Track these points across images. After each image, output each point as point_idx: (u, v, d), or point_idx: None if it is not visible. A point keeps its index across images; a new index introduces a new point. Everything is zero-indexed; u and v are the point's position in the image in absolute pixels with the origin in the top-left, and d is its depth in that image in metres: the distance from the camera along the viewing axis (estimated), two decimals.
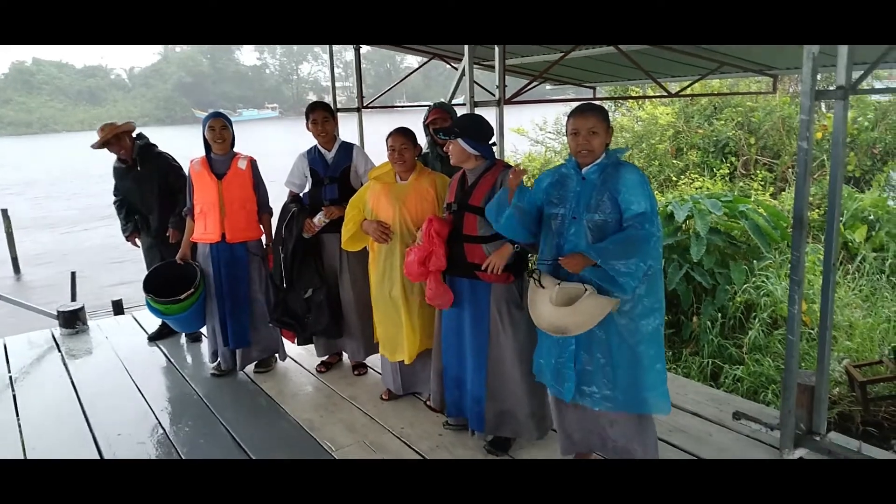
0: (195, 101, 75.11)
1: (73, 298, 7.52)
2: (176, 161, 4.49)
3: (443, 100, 4.10)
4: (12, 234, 14.18)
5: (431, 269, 2.88)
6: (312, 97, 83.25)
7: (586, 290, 2.37)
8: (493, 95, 4.55)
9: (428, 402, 3.46)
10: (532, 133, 12.61)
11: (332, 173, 3.74)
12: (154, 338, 4.74)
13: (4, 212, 14.48)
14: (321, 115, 3.74)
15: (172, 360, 4.36)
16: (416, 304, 3.28)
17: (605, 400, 2.51)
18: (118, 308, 7.17)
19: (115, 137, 4.35)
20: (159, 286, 3.87)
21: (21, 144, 55.31)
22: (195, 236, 3.87)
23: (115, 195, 4.61)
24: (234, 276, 3.83)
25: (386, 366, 3.59)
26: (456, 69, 6.52)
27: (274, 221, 3.88)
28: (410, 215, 3.23)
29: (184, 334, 4.70)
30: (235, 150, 3.87)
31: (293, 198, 3.81)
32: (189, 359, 4.40)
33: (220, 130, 3.76)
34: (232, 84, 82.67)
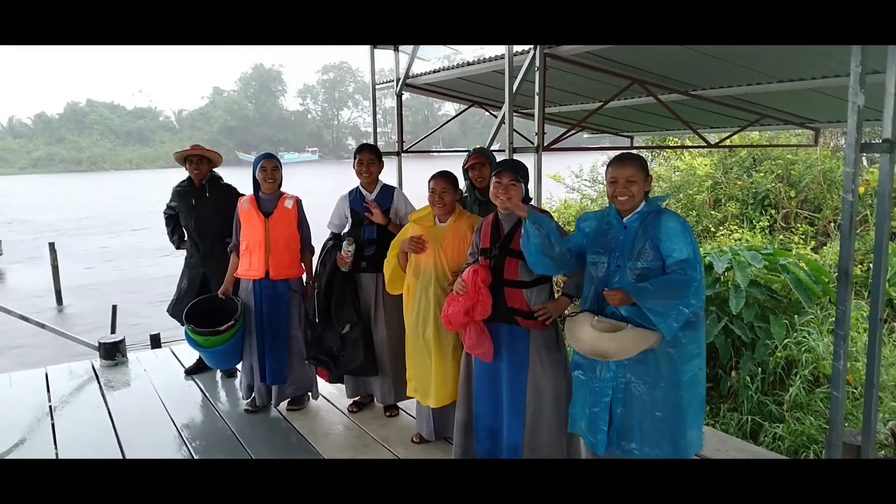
0: (239, 143, 77.46)
1: (113, 331, 7.69)
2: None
3: (480, 146, 4.18)
4: (57, 267, 14.66)
5: (476, 318, 2.86)
6: (352, 142, 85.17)
7: (627, 325, 2.41)
8: (531, 142, 4.63)
9: None
10: (568, 180, 12.66)
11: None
12: (191, 372, 4.81)
13: (52, 245, 15.03)
14: (367, 157, 3.83)
15: (208, 394, 4.41)
16: (450, 348, 3.28)
17: (645, 457, 2.49)
18: (156, 342, 7.30)
19: (199, 158, 4.48)
20: (199, 320, 3.94)
21: (71, 181, 57.51)
22: (239, 272, 3.96)
23: (167, 211, 4.72)
24: (275, 312, 3.89)
25: (419, 409, 3.58)
26: (495, 116, 6.67)
27: (315, 260, 3.96)
28: (447, 257, 3.26)
29: (219, 369, 4.75)
30: (282, 189, 3.99)
31: (333, 237, 3.89)
32: (224, 394, 4.44)
33: (271, 171, 3.89)
34: (275, 128, 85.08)
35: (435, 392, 3.32)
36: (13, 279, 16.92)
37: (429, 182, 3.34)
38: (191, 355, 5.04)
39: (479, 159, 3.74)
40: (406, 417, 3.92)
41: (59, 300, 13.69)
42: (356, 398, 4.07)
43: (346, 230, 3.87)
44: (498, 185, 2.87)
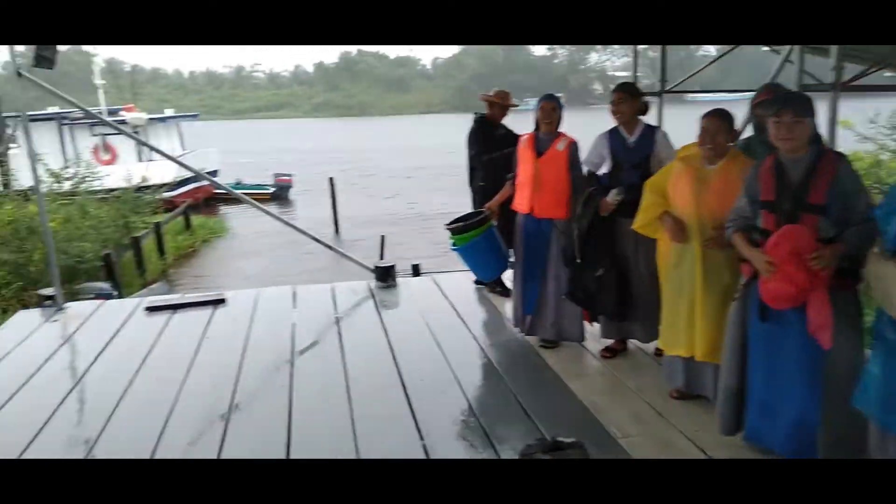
0: (488, 89, 79.64)
1: (381, 258, 8.58)
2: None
3: (774, 81, 3.73)
4: (335, 199, 16.70)
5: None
6: (598, 87, 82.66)
7: None
8: (821, 82, 3.99)
9: None
10: (861, 127, 10.80)
11: (633, 158, 3.66)
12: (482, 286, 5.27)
13: (331, 180, 17.11)
14: (617, 96, 3.70)
15: (467, 322, 4.67)
16: (717, 303, 3.04)
17: None
18: (416, 271, 7.98)
19: (500, 107, 5.02)
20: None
21: (344, 125, 64.53)
22: (514, 204, 4.15)
23: (475, 163, 5.06)
24: (535, 247, 4.03)
25: (669, 361, 3.42)
26: (777, 52, 5.90)
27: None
28: (710, 205, 2.99)
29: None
30: (561, 130, 4.02)
31: (589, 175, 3.84)
32: (484, 320, 4.74)
33: (549, 112, 3.96)
34: (522, 74, 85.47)
35: (687, 342, 3.16)
36: (301, 209, 19.66)
37: (701, 119, 3.07)
38: (451, 284, 5.49)
39: (771, 95, 3.34)
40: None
41: (337, 229, 15.65)
42: (610, 345, 4.02)
43: (603, 171, 3.78)
44: (778, 125, 2.52)
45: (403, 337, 4.42)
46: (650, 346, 3.98)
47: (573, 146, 3.96)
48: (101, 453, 3.02)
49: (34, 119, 14.13)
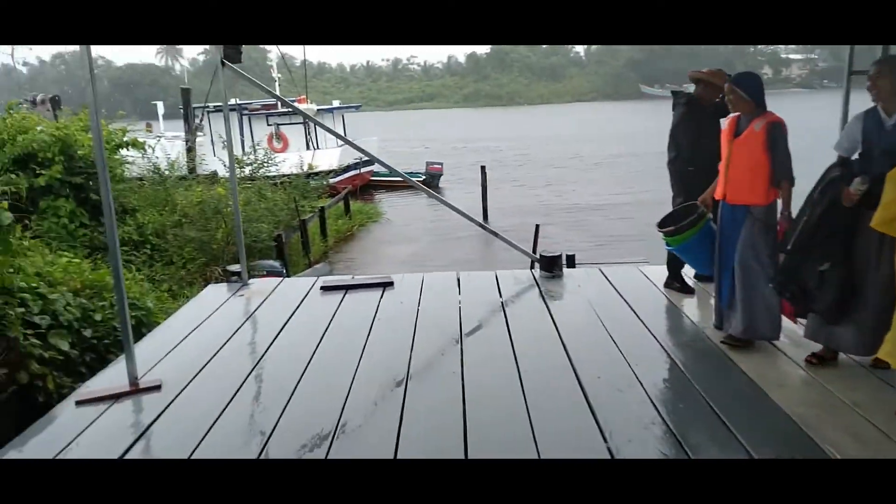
0: (643, 76, 76.33)
1: (534, 248, 8.39)
2: None
3: None
4: (486, 188, 16.76)
5: None
6: (767, 70, 76.24)
7: None
8: None
9: None
10: None
11: (888, 143, 3.14)
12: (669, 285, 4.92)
13: (483, 168, 17.19)
14: (876, 70, 3.19)
15: (641, 316, 4.36)
16: None
17: None
18: (570, 262, 7.70)
19: (714, 87, 4.48)
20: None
21: (492, 115, 64.87)
22: (716, 192, 3.89)
23: (689, 150, 4.59)
24: (728, 235, 3.74)
25: None
26: None
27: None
28: None
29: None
30: (769, 110, 3.63)
31: (841, 162, 3.37)
32: (661, 317, 4.45)
33: (728, 92, 3.66)
34: (682, 59, 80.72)
35: None
36: (450, 197, 19.94)
37: None
38: (618, 276, 5.22)
39: None
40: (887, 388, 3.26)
41: (486, 217, 15.67)
42: (818, 351, 3.54)
43: (856, 156, 3.31)
44: None
45: (573, 329, 4.21)
46: (864, 358, 3.47)
47: (773, 126, 3.54)
48: (283, 427, 3.10)
49: (219, 109, 15.71)
